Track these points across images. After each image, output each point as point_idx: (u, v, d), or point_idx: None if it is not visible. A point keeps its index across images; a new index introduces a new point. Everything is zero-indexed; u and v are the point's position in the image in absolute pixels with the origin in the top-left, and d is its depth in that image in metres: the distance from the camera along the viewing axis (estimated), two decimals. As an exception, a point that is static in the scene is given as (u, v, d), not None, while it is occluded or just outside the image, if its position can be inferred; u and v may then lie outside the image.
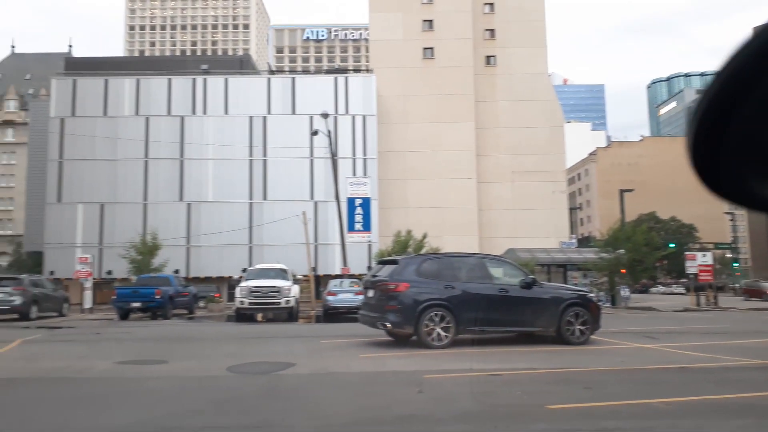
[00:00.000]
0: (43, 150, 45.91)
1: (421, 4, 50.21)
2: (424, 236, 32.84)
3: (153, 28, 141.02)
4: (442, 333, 10.44)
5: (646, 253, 31.15)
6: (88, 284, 29.39)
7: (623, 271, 31.19)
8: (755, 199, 0.96)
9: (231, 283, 43.04)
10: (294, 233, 41.23)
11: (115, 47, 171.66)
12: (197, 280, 39.60)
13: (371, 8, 50.94)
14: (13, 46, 77.52)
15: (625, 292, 32.35)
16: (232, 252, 43.52)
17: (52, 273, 39.96)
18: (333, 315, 22.64)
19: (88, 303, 28.98)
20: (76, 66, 49.71)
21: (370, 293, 11.38)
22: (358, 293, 23.25)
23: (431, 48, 49.59)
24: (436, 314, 10.47)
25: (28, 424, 5.29)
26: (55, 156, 44.67)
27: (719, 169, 0.93)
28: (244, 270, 39.25)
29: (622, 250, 30.86)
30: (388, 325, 10.63)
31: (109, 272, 41.73)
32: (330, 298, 23.29)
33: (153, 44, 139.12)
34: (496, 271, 11.50)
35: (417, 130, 47.61)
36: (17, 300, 21.41)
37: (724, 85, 0.84)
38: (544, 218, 47.15)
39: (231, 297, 40.60)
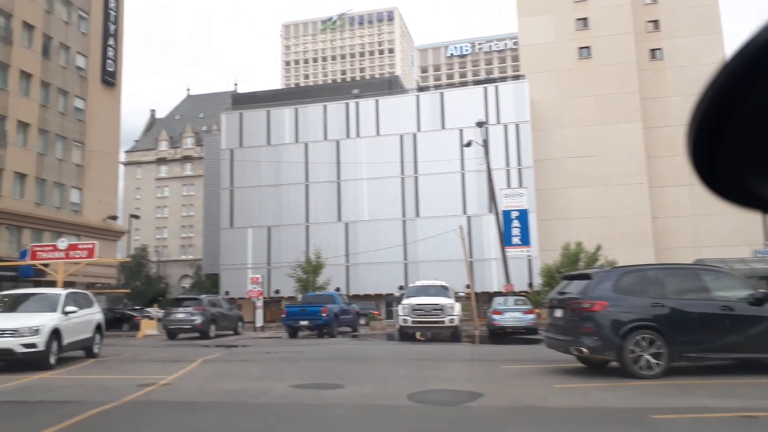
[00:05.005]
0: (217, 180, 49.85)
1: (574, 3, 47.59)
2: (598, 248, 30.18)
3: (306, 61, 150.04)
4: (652, 360, 8.74)
5: None
6: (260, 303, 30.77)
7: None
8: (755, 199, 0.95)
9: (388, 300, 43.27)
10: (447, 249, 40.39)
11: (273, 82, 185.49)
12: (356, 297, 40.19)
13: (519, 14, 49.27)
14: (188, 89, 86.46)
15: None
16: (388, 269, 43.77)
17: (227, 293, 42.88)
18: (499, 335, 21.36)
19: (259, 321, 30.31)
20: (241, 101, 53.66)
21: (558, 313, 9.97)
22: (526, 312, 21.74)
23: (587, 47, 46.65)
24: (643, 338, 8.80)
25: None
26: (226, 184, 48.34)
27: (719, 169, 0.93)
28: (401, 287, 39.30)
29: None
30: (585, 350, 9.14)
31: (277, 291, 43.96)
32: (496, 317, 22.07)
33: (307, 76, 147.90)
34: (714, 285, 9.53)
35: (576, 135, 44.76)
36: (198, 319, 22.84)
37: (725, 84, 0.83)
38: (731, 224, 41.54)
39: (389, 314, 40.77)
